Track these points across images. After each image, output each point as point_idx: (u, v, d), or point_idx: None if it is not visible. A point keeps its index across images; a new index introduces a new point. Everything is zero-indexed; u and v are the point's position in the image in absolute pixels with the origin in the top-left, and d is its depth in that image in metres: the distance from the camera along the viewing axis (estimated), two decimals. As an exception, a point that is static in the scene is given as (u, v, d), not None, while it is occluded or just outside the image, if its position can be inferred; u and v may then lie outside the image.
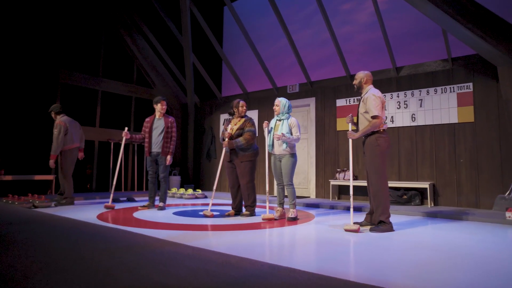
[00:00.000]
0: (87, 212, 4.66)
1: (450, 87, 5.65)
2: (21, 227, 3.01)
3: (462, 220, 4.39)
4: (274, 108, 4.42)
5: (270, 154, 4.50)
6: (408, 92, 6.04)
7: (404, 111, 6.05)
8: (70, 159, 5.32)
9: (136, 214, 4.56)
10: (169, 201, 6.59)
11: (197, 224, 3.90)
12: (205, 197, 7.27)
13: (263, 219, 4.14)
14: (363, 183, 6.18)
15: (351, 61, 6.94)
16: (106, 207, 5.06)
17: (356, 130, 3.85)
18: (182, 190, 7.48)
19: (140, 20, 8.21)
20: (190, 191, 7.25)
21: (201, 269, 1.88)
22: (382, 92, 6.31)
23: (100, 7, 7.96)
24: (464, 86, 5.53)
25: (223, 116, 8.80)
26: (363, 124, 3.69)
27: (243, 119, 4.61)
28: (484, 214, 4.64)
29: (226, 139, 4.48)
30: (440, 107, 5.68)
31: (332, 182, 6.55)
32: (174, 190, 7.55)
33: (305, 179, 7.30)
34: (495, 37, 4.74)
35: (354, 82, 3.89)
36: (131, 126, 8.41)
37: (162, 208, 5.05)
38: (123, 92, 8.24)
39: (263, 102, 8.08)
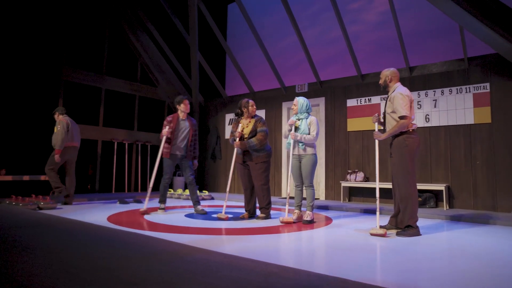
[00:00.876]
0: (96, 214, 4.48)
1: (466, 87, 5.54)
2: (33, 231, 2.83)
3: (489, 224, 4.25)
4: (292, 107, 4.28)
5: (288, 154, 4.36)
6: (422, 92, 5.93)
7: (417, 111, 5.93)
8: (62, 157, 5.22)
9: (148, 217, 4.39)
10: (175, 202, 6.42)
11: (215, 227, 3.73)
12: (212, 198, 7.11)
13: (281, 222, 3.99)
14: (371, 185, 6.05)
15: (359, 60, 6.82)
16: (142, 213, 4.63)
17: (383, 130, 3.71)
18: (187, 191, 7.30)
19: (145, 17, 8.02)
20: (205, 192, 7.07)
21: (244, 280, 1.72)
22: (395, 92, 6.19)
23: (104, 2, 7.77)
24: (480, 86, 5.42)
25: (229, 116, 8.64)
26: (391, 124, 3.55)
27: (253, 120, 4.45)
28: (503, 217, 4.51)
29: (237, 140, 4.31)
30: (456, 108, 5.57)
31: (343, 184, 6.42)
32: (179, 191, 7.37)
33: (314, 180, 7.15)
34: (516, 36, 4.63)
35: (379, 82, 3.75)
36: (134, 126, 8.21)
37: (203, 212, 4.78)
38: (127, 91, 8.05)
39: (270, 102, 7.94)
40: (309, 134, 4.10)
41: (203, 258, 2.08)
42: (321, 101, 7.14)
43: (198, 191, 7.11)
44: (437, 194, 5.62)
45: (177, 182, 8.26)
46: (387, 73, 3.69)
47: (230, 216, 4.48)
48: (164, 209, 4.88)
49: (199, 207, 4.80)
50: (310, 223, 4.04)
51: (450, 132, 5.64)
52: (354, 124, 6.61)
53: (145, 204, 4.70)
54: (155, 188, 6.10)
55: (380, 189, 6.13)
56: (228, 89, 8.97)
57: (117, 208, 5.27)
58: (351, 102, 6.71)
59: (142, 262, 1.93)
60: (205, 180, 8.91)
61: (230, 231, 3.52)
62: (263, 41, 7.69)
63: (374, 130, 3.71)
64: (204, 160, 8.97)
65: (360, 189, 6.44)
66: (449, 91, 5.68)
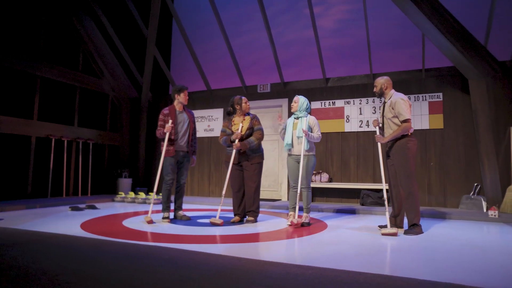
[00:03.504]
0: (59, 224, 3.78)
1: (422, 96, 6.10)
2: (22, 250, 2.25)
3: (451, 220, 4.72)
4: (291, 105, 4.19)
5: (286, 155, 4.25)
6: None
7: (379, 116, 6.33)
8: None
9: (135, 226, 3.85)
10: (126, 207, 5.80)
11: (226, 234, 3.43)
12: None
13: (291, 225, 3.87)
14: (337, 185, 6.30)
15: (316, 64, 7.02)
16: (148, 222, 3.96)
17: (382, 134, 3.84)
18: (132, 194, 6.68)
19: (91, -1, 7.12)
20: (153, 195, 6.49)
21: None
22: (357, 97, 6.55)
23: (41, -23, 6.67)
24: (435, 95, 6.03)
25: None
26: (391, 128, 3.68)
27: (248, 117, 4.26)
28: (465, 213, 5.07)
29: (237, 141, 4.06)
30: (413, 114, 6.09)
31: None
32: (132, 194, 6.68)
33: (276, 181, 7.15)
34: (470, 54, 5.25)
35: (375, 90, 3.87)
36: (75, 121, 7.22)
37: (187, 217, 4.32)
38: (67, 80, 7.03)
39: (228, 101, 7.69)
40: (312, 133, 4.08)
41: (288, 273, 1.87)
42: (285, 102, 7.18)
43: (155, 194, 6.57)
44: (396, 193, 6.07)
45: (123, 184, 7.50)
46: (382, 81, 3.83)
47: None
48: (169, 218, 4.22)
49: (181, 213, 4.39)
50: (309, 225, 3.99)
51: (407, 136, 6.15)
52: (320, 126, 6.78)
53: (150, 212, 4.11)
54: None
55: (343, 189, 6.42)
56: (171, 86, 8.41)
57: (76, 216, 4.53)
58: (315, 105, 6.87)
59: (226, 285, 1.65)
60: (152, 181, 8.25)
61: (250, 238, 3.27)
62: (213, 39, 7.41)
63: (376, 133, 3.81)
64: (153, 160, 8.32)
65: (324, 190, 6.63)
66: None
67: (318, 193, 6.69)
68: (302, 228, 3.81)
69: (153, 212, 5.03)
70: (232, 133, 4.15)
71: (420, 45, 6.08)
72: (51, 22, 6.87)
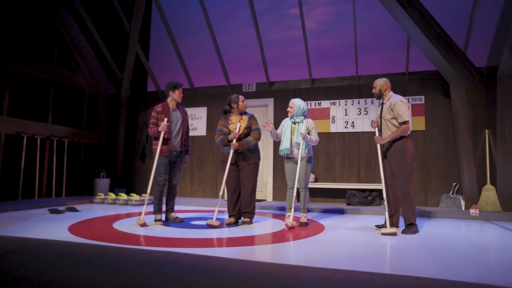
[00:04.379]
0: (46, 227, 3.53)
1: (405, 98, 6.27)
2: (30, 257, 2.07)
3: (436, 218, 4.89)
4: (288, 109, 4.16)
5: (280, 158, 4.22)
6: (368, 100, 6.49)
7: (364, 117, 6.47)
8: None
9: (129, 229, 3.66)
10: (108, 209, 5.55)
11: (223, 237, 3.34)
12: (153, 202, 6.37)
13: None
14: (323, 185, 6.36)
15: (298, 65, 7.05)
16: (142, 224, 3.78)
17: (380, 135, 3.90)
18: (113, 195, 6.41)
19: (68, -11, 6.73)
20: (136, 196, 6.26)
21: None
22: (343, 98, 6.64)
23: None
24: (417, 98, 6.23)
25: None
26: (389, 129, 3.74)
27: (246, 116, 4.18)
28: (449, 211, 5.27)
29: (235, 141, 3.97)
30: (397, 116, 6.26)
31: (295, 184, 6.55)
32: (112, 195, 6.39)
33: (261, 181, 7.10)
34: (452, 59, 5.48)
35: (374, 91, 3.92)
36: (49, 117, 6.79)
37: (179, 219, 4.17)
38: (40, 74, 6.59)
39: (213, 100, 7.57)
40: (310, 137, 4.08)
41: (319, 276, 1.83)
42: (270, 101, 7.16)
43: (137, 195, 6.33)
44: (380, 193, 6.21)
45: (101, 185, 7.16)
46: (381, 82, 3.87)
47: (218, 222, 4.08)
48: (162, 221, 4.05)
49: (174, 215, 4.24)
50: (306, 225, 3.99)
51: (391, 137, 6.32)
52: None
53: (143, 214, 3.90)
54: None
55: (329, 189, 6.49)
56: (151, 83, 8.12)
57: (58, 219, 4.25)
58: (300, 105, 6.89)
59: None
60: (131, 182, 7.96)
61: (255, 240, 3.19)
62: (197, 36, 7.25)
63: (375, 134, 3.86)
64: (132, 160, 8.01)
65: (310, 190, 6.64)
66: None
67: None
68: (301, 229, 3.79)
69: (146, 214, 4.83)
70: (230, 132, 4.06)
71: (403, 48, 6.27)
72: (24, 11, 6.42)
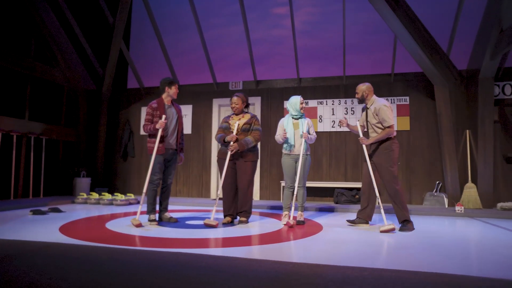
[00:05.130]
0: (33, 229, 3.32)
1: (391, 99, 6.44)
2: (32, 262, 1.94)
3: (426, 216, 5.03)
4: (300, 106, 4.14)
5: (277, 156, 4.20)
6: (355, 100, 6.59)
7: (351, 117, 6.57)
8: None
9: (124, 229, 3.51)
10: (91, 210, 5.34)
11: (226, 237, 3.27)
12: (138, 202, 6.19)
13: (290, 226, 3.82)
14: (310, 184, 6.41)
15: (283, 64, 7.07)
16: (137, 225, 3.63)
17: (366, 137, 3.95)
18: (96, 195, 6.17)
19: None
20: (121, 196, 6.05)
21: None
22: (330, 97, 6.72)
23: None
24: (402, 99, 6.39)
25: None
26: (376, 133, 3.81)
27: (248, 115, 4.12)
28: (435, 209, 5.44)
29: (232, 142, 3.90)
30: (382, 116, 6.40)
31: (283, 184, 6.55)
32: (95, 195, 6.13)
33: (247, 180, 7.06)
34: (437, 61, 5.66)
35: (357, 96, 3.98)
36: (26, 113, 6.44)
37: (174, 219, 4.05)
38: (15, 67, 6.23)
39: (198, 97, 7.45)
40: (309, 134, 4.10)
41: (348, 275, 1.81)
42: (257, 100, 7.12)
43: (122, 195, 6.12)
44: (367, 191, 6.34)
45: (83, 184, 6.88)
46: (363, 88, 3.94)
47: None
48: (156, 221, 3.90)
49: (168, 215, 4.11)
50: (303, 223, 3.99)
51: (377, 136, 6.45)
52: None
53: (138, 214, 3.74)
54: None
55: (316, 188, 6.54)
56: (131, 80, 7.88)
57: (44, 220, 4.02)
58: (288, 104, 6.90)
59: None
60: (113, 181, 7.69)
61: (259, 240, 3.15)
62: (180, 33, 7.10)
63: (360, 135, 3.91)
64: (113, 158, 7.75)
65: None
66: (383, 99, 6.49)
67: (291, 192, 6.74)
68: (298, 227, 3.79)
69: (130, 214, 4.67)
70: (229, 126, 4.00)
71: (388, 50, 6.41)
72: (-1, 1, 6.05)
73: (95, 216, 4.54)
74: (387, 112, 3.73)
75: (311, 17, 7.43)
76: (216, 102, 7.34)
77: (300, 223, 3.98)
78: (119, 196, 5.99)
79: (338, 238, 3.21)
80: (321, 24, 7.21)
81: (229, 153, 3.90)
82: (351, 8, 6.53)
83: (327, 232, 3.51)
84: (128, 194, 6.27)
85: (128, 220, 4.15)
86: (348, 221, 3.99)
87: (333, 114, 6.65)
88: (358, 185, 6.22)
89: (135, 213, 4.72)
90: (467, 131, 5.91)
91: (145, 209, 4.00)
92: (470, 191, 5.68)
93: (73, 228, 3.50)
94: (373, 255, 2.56)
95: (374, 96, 3.94)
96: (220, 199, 4.03)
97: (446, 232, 3.62)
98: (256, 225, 3.93)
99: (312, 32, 7.27)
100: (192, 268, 1.93)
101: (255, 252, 2.64)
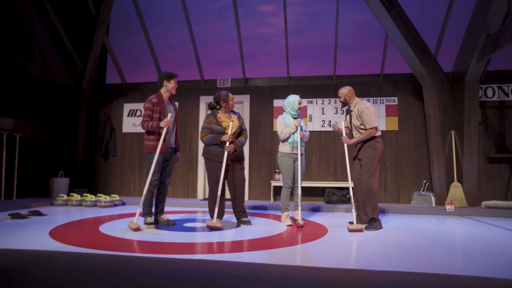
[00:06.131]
0: (18, 235, 3.03)
1: (380, 99, 6.51)
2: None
3: (417, 215, 5.11)
4: (299, 106, 4.06)
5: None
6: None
7: (341, 116, 6.58)
8: None
9: (123, 234, 3.27)
10: (72, 212, 5.02)
11: (238, 240, 3.12)
12: (123, 204, 5.89)
13: (298, 227, 3.73)
14: (302, 183, 6.37)
15: (271, 63, 6.99)
16: (135, 229, 3.40)
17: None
18: (78, 196, 5.83)
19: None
20: (105, 197, 5.72)
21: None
22: (320, 97, 6.70)
23: None
24: (391, 99, 6.48)
25: (128, 106, 7.37)
26: (360, 134, 3.84)
27: (235, 116, 3.99)
28: (425, 208, 5.54)
29: (228, 143, 3.76)
30: (372, 116, 6.46)
31: (273, 183, 6.47)
32: (77, 196, 5.76)
33: (236, 180, 6.92)
34: (426, 63, 5.78)
35: (340, 100, 4.01)
36: (-2, 109, 5.96)
37: (172, 222, 3.83)
38: (-12, 59, 5.75)
39: (185, 95, 7.21)
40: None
41: (390, 280, 1.74)
42: (246, 98, 6.99)
43: (107, 196, 5.80)
44: (356, 191, 6.37)
45: (61, 184, 6.47)
46: (345, 91, 3.95)
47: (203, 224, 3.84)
48: (154, 224, 3.66)
49: (165, 217, 3.90)
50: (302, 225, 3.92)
51: (366, 136, 6.50)
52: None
53: (136, 217, 3.49)
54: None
55: (307, 187, 6.50)
56: (111, 76, 7.51)
57: (26, 225, 3.70)
58: (278, 103, 6.83)
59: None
60: (93, 181, 7.30)
61: (272, 243, 3.02)
62: (168, 29, 6.84)
63: (342, 135, 3.92)
64: (93, 157, 7.35)
65: (286, 188, 6.62)
66: (366, 100, 6.54)
67: (278, 192, 6.66)
68: (302, 228, 3.71)
69: (125, 216, 4.41)
70: (223, 129, 3.84)
71: (378, 51, 6.48)
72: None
73: (84, 219, 4.23)
74: (368, 114, 3.76)
75: (298, 16, 7.39)
76: (203, 100, 7.14)
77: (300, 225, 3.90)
78: (103, 197, 5.66)
79: (349, 239, 3.15)
80: (307, 24, 7.17)
81: (226, 155, 3.75)
82: (342, 9, 6.54)
83: (335, 233, 3.44)
84: (112, 195, 5.95)
85: (121, 223, 3.90)
86: (350, 223, 3.94)
87: (323, 114, 6.64)
88: (348, 184, 6.23)
89: (128, 216, 4.49)
90: (452, 131, 6.07)
91: (132, 211, 3.77)
92: (456, 190, 5.84)
93: (66, 233, 3.23)
94: (396, 257, 2.51)
95: (357, 99, 3.97)
96: (205, 199, 3.87)
97: (450, 232, 3.66)
98: (258, 227, 3.81)
99: (300, 31, 7.22)
100: (219, 277, 1.79)
101: (277, 256, 2.52)
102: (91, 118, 7.39)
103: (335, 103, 6.64)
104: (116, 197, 5.90)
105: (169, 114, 3.63)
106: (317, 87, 6.77)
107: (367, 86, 6.59)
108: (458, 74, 6.00)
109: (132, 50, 7.41)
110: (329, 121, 6.62)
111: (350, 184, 3.83)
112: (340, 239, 3.14)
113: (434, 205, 5.96)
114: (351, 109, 3.91)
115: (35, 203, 5.43)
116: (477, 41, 5.41)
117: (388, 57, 6.44)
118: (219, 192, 3.73)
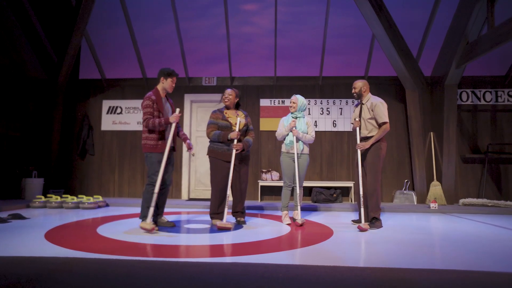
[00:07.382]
0: (14, 239, 2.78)
1: (364, 101, 6.68)
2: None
3: (403, 213, 5.31)
4: (290, 105, 4.06)
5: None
6: (330, 100, 6.73)
7: (326, 117, 6.69)
8: None
9: (123, 236, 3.10)
10: (51, 214, 4.73)
11: (249, 241, 3.06)
12: (107, 205, 5.62)
13: (298, 225, 3.73)
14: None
15: (255, 62, 6.96)
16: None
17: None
18: (57, 198, 5.50)
19: None
20: (88, 198, 5.42)
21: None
22: (306, 97, 6.78)
23: None
24: (375, 101, 6.67)
25: (107, 103, 7.03)
26: (367, 129, 3.89)
27: (242, 113, 3.96)
28: (411, 206, 5.76)
29: (236, 141, 3.71)
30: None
31: (261, 183, 6.44)
32: (56, 197, 5.41)
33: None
34: (410, 67, 6.02)
35: (353, 91, 4.06)
36: (-35, 103, 5.45)
37: (171, 224, 3.70)
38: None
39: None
40: (307, 134, 4.04)
41: (442, 279, 1.78)
42: (232, 98, 6.90)
43: (90, 197, 5.51)
44: (342, 190, 6.51)
45: (35, 185, 6.05)
46: (361, 84, 4.03)
47: (206, 225, 3.75)
48: (156, 226, 3.46)
49: (165, 218, 3.75)
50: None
51: (352, 137, 6.66)
52: (267, 124, 6.76)
53: (149, 217, 3.31)
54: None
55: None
56: (86, 71, 7.13)
57: (9, 229, 3.42)
58: (264, 102, 6.82)
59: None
60: (70, 181, 6.89)
61: (285, 243, 2.99)
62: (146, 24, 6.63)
63: (357, 141, 3.91)
64: (69, 157, 6.94)
65: (271, 188, 6.64)
66: (352, 102, 6.71)
67: (267, 191, 6.66)
68: (304, 227, 3.72)
69: (121, 217, 4.19)
70: (230, 124, 3.79)
71: (362, 54, 6.65)
72: None
73: (76, 221, 3.97)
74: (382, 108, 3.83)
75: (284, 17, 7.40)
76: (188, 98, 6.97)
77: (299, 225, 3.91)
78: (86, 199, 5.36)
79: (358, 239, 3.20)
80: (291, 24, 7.21)
81: (234, 154, 3.69)
82: (327, 11, 6.64)
83: (343, 233, 3.48)
84: (95, 196, 5.65)
85: (119, 224, 3.72)
86: (353, 221, 4.02)
87: (309, 114, 6.71)
88: (334, 184, 6.36)
89: (124, 217, 4.29)
90: (431, 133, 6.36)
91: (135, 211, 3.61)
92: (436, 188, 6.13)
93: (64, 237, 3.01)
94: (415, 254, 2.58)
95: (370, 94, 4.02)
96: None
97: (448, 229, 3.83)
98: (259, 227, 3.77)
99: (286, 31, 7.25)
100: (265, 280, 1.74)
101: (299, 257, 2.50)
102: (66, 115, 6.97)
103: (321, 103, 6.74)
104: (99, 198, 5.61)
105: (177, 110, 3.51)
106: (303, 88, 6.84)
107: (351, 88, 6.72)
108: (437, 78, 6.31)
109: (112, 43, 7.07)
110: (315, 121, 6.70)
111: (361, 184, 3.79)
112: (349, 239, 3.17)
113: (415, 203, 6.22)
114: (363, 102, 3.95)
115: (7, 206, 5.03)
116: (456, 48, 5.71)
117: (373, 60, 6.63)
118: (228, 191, 3.66)
